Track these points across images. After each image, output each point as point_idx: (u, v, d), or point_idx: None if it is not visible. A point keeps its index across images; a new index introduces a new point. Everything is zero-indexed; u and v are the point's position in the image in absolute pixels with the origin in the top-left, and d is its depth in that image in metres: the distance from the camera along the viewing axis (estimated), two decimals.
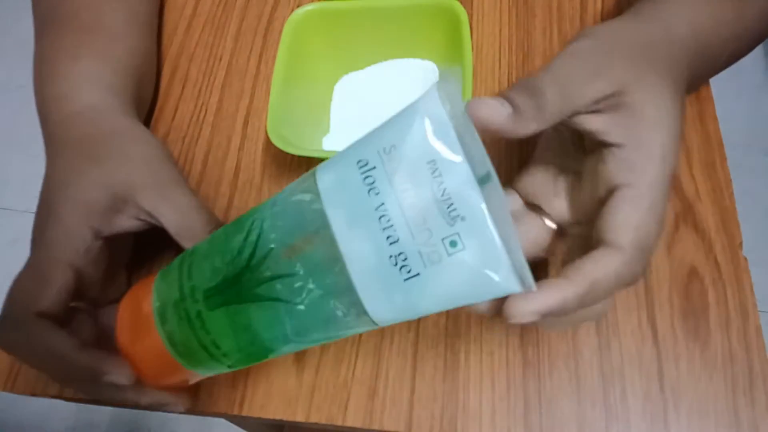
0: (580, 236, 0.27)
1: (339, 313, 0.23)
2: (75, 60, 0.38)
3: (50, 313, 0.30)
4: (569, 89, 0.24)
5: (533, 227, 0.29)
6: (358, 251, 0.22)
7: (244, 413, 0.35)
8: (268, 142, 0.43)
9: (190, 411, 0.36)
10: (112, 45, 0.40)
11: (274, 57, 0.41)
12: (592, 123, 0.25)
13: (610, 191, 0.24)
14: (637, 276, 0.24)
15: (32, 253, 0.32)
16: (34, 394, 0.36)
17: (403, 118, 0.22)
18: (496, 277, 0.21)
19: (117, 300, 0.30)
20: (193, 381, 0.30)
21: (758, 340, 0.35)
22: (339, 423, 0.34)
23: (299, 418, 0.34)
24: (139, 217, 0.33)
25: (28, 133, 1.38)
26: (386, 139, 0.22)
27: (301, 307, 0.23)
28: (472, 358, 0.35)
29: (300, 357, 0.36)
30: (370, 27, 0.43)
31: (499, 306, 0.23)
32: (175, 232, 0.32)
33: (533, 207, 0.30)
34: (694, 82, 0.31)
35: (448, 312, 0.37)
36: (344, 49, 0.44)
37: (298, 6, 0.46)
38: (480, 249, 0.21)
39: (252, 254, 0.24)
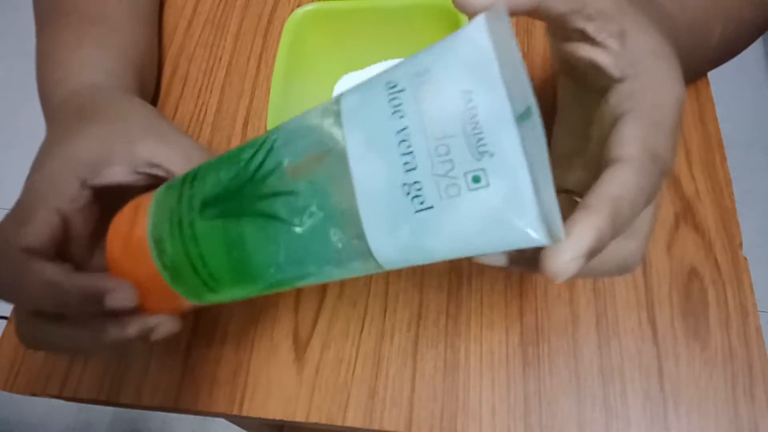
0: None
1: (339, 244, 0.21)
2: (76, 48, 0.38)
3: (36, 250, 0.28)
4: None
5: (563, 207, 0.28)
6: (370, 174, 0.20)
7: (244, 413, 0.35)
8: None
9: (190, 411, 0.36)
10: (114, 37, 0.40)
11: (274, 57, 0.42)
12: (599, 56, 0.24)
13: (614, 123, 0.24)
14: (656, 186, 0.23)
15: (15, 203, 0.30)
16: (34, 394, 0.36)
17: (444, 42, 0.20)
18: (519, 223, 0.18)
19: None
20: (182, 308, 0.28)
21: (758, 339, 0.35)
22: (339, 423, 0.34)
23: (299, 418, 0.34)
24: (138, 170, 0.31)
25: (27, 132, 1.38)
26: (421, 63, 0.20)
27: (299, 229, 0.21)
28: (472, 357, 0.35)
29: (300, 357, 0.36)
30: (370, 27, 0.43)
31: (518, 258, 0.22)
32: (181, 171, 0.30)
33: (560, 191, 0.28)
34: (688, 63, 0.31)
35: (448, 312, 0.37)
36: (344, 48, 0.44)
37: (298, 6, 0.46)
38: (506, 190, 0.18)
39: (258, 167, 0.22)
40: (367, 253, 0.21)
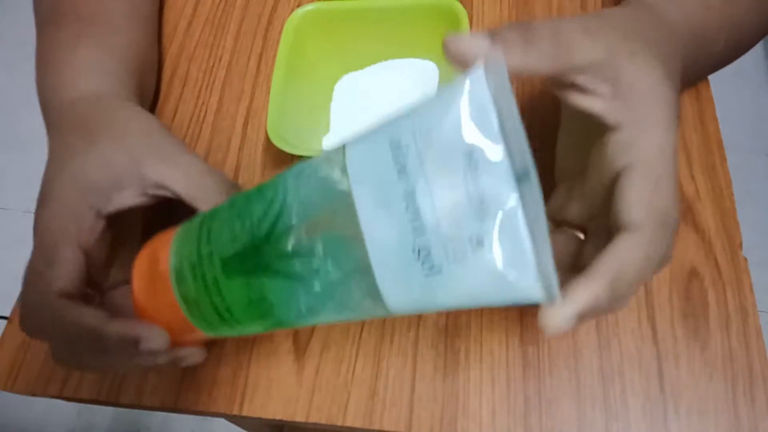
0: (599, 229, 0.27)
1: (355, 297, 0.22)
2: (74, 50, 0.38)
3: (69, 292, 0.29)
4: (564, 37, 0.23)
5: (559, 240, 0.29)
6: (381, 237, 0.21)
7: (244, 413, 0.35)
8: (268, 142, 0.43)
9: (190, 411, 0.36)
10: (113, 37, 0.40)
11: (274, 57, 0.41)
12: (591, 104, 0.24)
13: (615, 176, 0.24)
14: (665, 254, 0.23)
15: (36, 239, 0.31)
16: (34, 394, 0.36)
17: (445, 99, 0.20)
18: (520, 284, 0.20)
19: (123, 283, 0.30)
20: (203, 339, 0.30)
21: (758, 340, 0.35)
22: (339, 423, 0.34)
23: (299, 418, 0.34)
24: (147, 192, 0.32)
25: (27, 133, 1.38)
26: (424, 120, 0.21)
27: (318, 288, 0.23)
28: (472, 358, 0.35)
29: (300, 357, 0.36)
30: (370, 27, 0.43)
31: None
32: (188, 196, 0.31)
33: (555, 223, 0.29)
34: (691, 72, 0.31)
35: (448, 312, 0.37)
36: (344, 48, 0.44)
37: (298, 6, 0.46)
38: (508, 252, 0.19)
39: (273, 227, 0.23)
40: (381, 304, 0.22)
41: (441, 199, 0.20)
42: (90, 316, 0.28)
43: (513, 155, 0.19)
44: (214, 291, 0.25)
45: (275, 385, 0.35)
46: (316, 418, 0.34)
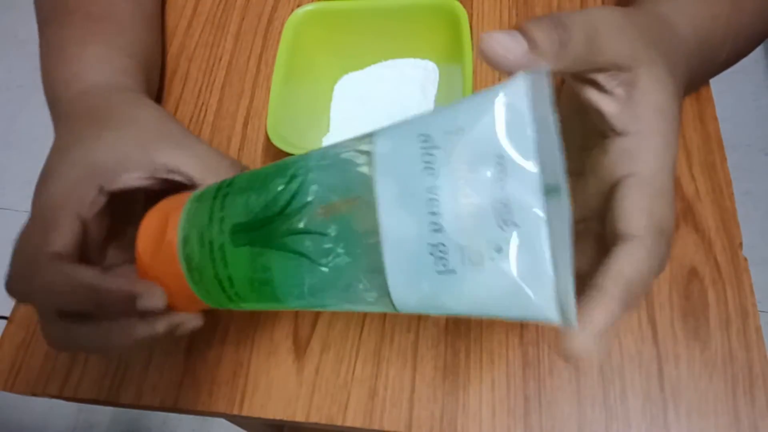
0: (586, 231, 0.27)
1: (360, 286, 0.22)
2: (83, 46, 0.38)
3: (64, 255, 0.28)
4: (598, 38, 0.23)
5: None
6: (397, 230, 0.20)
7: (244, 413, 0.35)
8: (268, 142, 0.43)
9: (190, 411, 0.36)
10: (120, 34, 0.40)
11: (274, 57, 0.41)
12: (604, 103, 0.24)
13: (615, 183, 0.24)
14: (664, 261, 0.23)
15: (33, 209, 0.30)
16: (34, 394, 0.36)
17: (481, 101, 0.20)
18: (534, 300, 0.19)
19: (121, 263, 0.30)
20: (205, 308, 0.29)
21: (758, 340, 0.35)
22: (339, 423, 0.34)
23: (299, 418, 0.34)
24: (155, 176, 0.31)
25: (28, 133, 1.38)
26: (456, 120, 0.20)
27: (325, 269, 0.22)
28: (472, 358, 0.35)
29: (300, 357, 0.36)
30: (370, 27, 0.43)
31: None
32: (202, 179, 0.31)
33: None
34: (693, 80, 0.31)
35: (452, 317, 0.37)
36: (344, 48, 0.44)
37: (298, 6, 0.46)
38: (526, 265, 0.19)
39: (288, 202, 0.23)
40: (386, 298, 0.21)
41: (464, 199, 0.19)
42: (85, 272, 0.28)
43: (545, 167, 0.19)
44: (218, 258, 0.25)
45: (275, 385, 0.35)
46: (316, 418, 0.34)
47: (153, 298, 0.27)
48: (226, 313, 0.37)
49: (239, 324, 0.37)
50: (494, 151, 0.19)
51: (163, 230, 0.27)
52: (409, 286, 0.21)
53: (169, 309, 0.29)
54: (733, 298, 0.36)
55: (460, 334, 0.36)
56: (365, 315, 0.37)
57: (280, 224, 0.23)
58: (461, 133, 0.20)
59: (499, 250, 0.19)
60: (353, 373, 0.35)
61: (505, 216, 0.19)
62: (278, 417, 0.35)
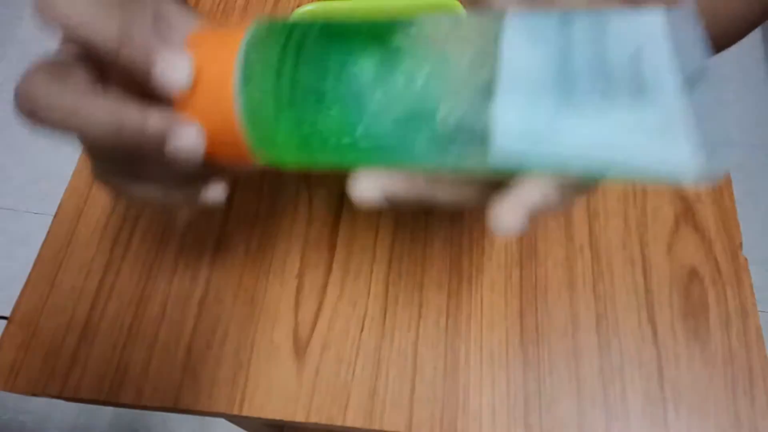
0: None
1: (450, 118, 0.19)
2: None
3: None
4: None
5: None
6: (520, 52, 0.18)
7: (244, 413, 0.35)
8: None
9: (190, 411, 0.36)
10: None
11: None
12: None
13: None
14: None
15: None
16: (34, 394, 0.36)
17: (634, 11, 0.19)
18: (661, 150, 0.17)
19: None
20: (240, 163, 0.25)
21: (758, 340, 0.35)
22: (339, 423, 0.34)
23: (299, 418, 0.34)
24: None
25: (28, 133, 1.38)
26: (599, 11, 0.19)
27: (411, 85, 0.20)
28: (472, 358, 0.35)
29: (300, 357, 0.36)
30: None
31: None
32: None
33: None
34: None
35: (448, 312, 0.37)
36: None
37: (298, 6, 0.46)
38: (662, 116, 0.17)
39: (392, 24, 0.21)
40: (479, 136, 0.19)
41: (601, 46, 0.18)
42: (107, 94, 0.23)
43: (688, 54, 0.18)
44: (290, 59, 0.22)
45: (275, 386, 0.35)
46: (316, 418, 0.34)
47: (191, 134, 0.23)
48: (226, 313, 0.37)
49: (239, 324, 0.37)
50: (640, 27, 0.18)
51: (216, 53, 0.24)
52: (521, 117, 0.18)
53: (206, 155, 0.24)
54: (733, 298, 0.36)
55: (460, 334, 0.36)
56: (365, 315, 0.37)
57: (377, 31, 0.21)
58: (605, 16, 0.18)
59: (637, 92, 0.17)
60: (353, 373, 0.35)
61: (640, 73, 0.18)
62: (278, 417, 0.35)
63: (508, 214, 0.21)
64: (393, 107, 0.20)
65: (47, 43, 1.48)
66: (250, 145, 0.24)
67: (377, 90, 0.20)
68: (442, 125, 0.19)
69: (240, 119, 0.23)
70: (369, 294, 0.38)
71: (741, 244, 0.38)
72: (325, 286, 0.38)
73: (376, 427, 0.34)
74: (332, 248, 0.39)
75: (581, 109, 0.18)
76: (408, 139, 0.20)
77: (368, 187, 0.22)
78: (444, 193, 0.23)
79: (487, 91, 0.18)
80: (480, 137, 0.19)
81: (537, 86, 0.18)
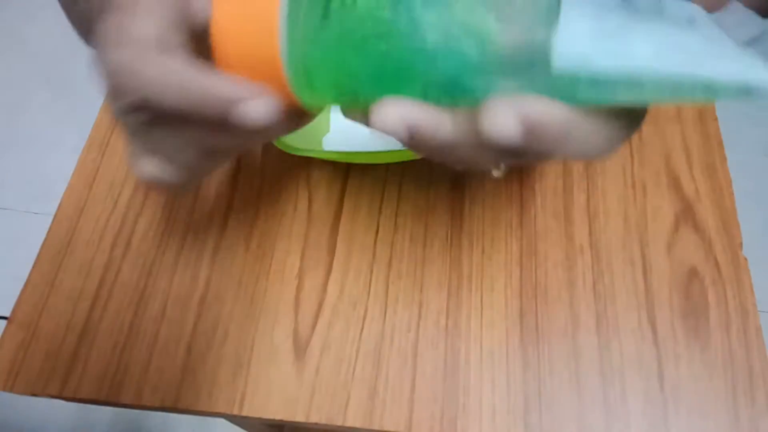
0: None
1: (503, 33, 0.18)
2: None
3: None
4: None
5: None
6: None
7: (244, 413, 0.35)
8: (268, 143, 0.43)
9: (190, 411, 0.36)
10: None
11: None
12: None
13: None
14: None
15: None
16: (34, 394, 0.36)
17: None
18: (747, 59, 0.17)
19: None
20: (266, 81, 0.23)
21: (758, 340, 0.35)
22: (339, 423, 0.34)
23: (299, 418, 0.34)
24: None
25: (28, 133, 1.38)
26: None
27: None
28: (472, 358, 0.35)
29: (300, 357, 0.36)
30: None
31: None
32: None
33: None
34: None
35: (448, 312, 0.37)
36: None
37: None
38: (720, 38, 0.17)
39: None
40: (537, 48, 0.18)
41: None
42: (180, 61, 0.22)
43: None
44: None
45: (275, 386, 0.35)
46: (316, 418, 0.34)
47: (261, 104, 0.22)
48: (226, 312, 0.37)
49: (239, 324, 0.37)
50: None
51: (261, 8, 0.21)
52: (586, 28, 0.17)
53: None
54: (733, 298, 0.36)
55: (460, 334, 0.36)
56: (365, 315, 0.37)
57: None
58: None
59: (692, 21, 0.17)
60: (353, 373, 0.35)
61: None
62: (278, 417, 0.35)
63: (504, 112, 0.18)
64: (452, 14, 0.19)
65: (49, 43, 1.49)
66: (289, 69, 0.22)
67: None
68: (503, 34, 0.18)
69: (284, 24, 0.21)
70: (369, 294, 0.38)
71: (741, 244, 0.38)
72: (325, 286, 0.38)
73: (376, 426, 0.34)
74: (332, 248, 0.39)
75: (648, 19, 0.17)
76: (463, 53, 0.19)
77: (393, 113, 0.20)
78: (468, 143, 0.21)
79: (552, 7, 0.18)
80: (542, 48, 0.18)
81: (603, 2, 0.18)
